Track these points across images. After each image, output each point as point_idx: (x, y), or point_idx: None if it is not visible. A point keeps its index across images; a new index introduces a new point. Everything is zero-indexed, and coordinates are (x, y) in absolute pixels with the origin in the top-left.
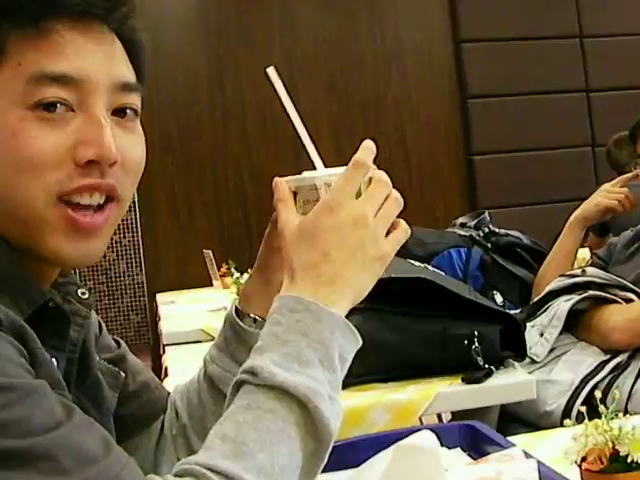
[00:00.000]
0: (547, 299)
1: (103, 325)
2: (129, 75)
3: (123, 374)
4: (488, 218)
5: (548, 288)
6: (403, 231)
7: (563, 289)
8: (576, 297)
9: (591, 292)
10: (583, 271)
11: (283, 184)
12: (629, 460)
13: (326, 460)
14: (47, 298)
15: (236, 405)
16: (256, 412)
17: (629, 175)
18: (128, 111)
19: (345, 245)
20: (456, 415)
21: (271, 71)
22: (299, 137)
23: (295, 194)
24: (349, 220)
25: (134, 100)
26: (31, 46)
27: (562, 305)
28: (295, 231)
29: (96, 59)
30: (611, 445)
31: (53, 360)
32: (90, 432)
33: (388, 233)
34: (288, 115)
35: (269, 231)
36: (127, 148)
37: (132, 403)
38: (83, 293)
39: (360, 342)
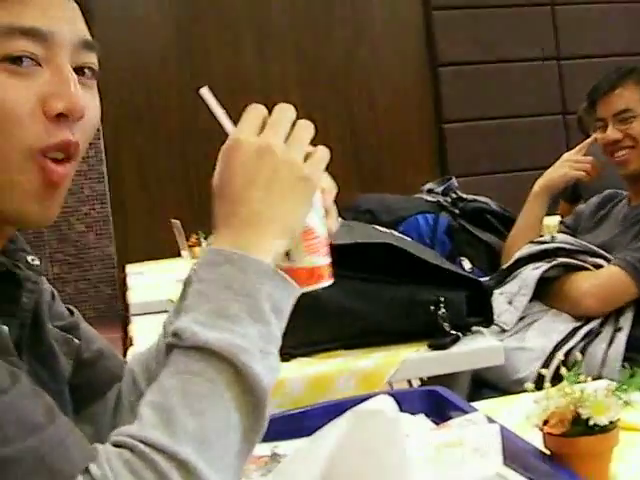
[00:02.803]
0: (516, 266)
1: (56, 293)
2: (88, 33)
3: (77, 341)
4: (455, 184)
5: (517, 255)
6: (322, 152)
7: (532, 256)
8: (545, 265)
9: (560, 259)
10: (552, 237)
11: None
12: (590, 423)
13: (268, 416)
14: None
15: (165, 370)
16: (184, 376)
17: (589, 141)
18: (87, 70)
19: (255, 179)
20: (426, 382)
21: (204, 92)
22: None
23: None
24: (252, 153)
25: (93, 59)
26: None
27: (531, 273)
28: (214, 184)
29: (61, 16)
30: (573, 408)
31: (4, 327)
32: (35, 400)
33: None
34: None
35: None
36: (88, 104)
37: (87, 371)
38: (33, 259)
39: (297, 289)
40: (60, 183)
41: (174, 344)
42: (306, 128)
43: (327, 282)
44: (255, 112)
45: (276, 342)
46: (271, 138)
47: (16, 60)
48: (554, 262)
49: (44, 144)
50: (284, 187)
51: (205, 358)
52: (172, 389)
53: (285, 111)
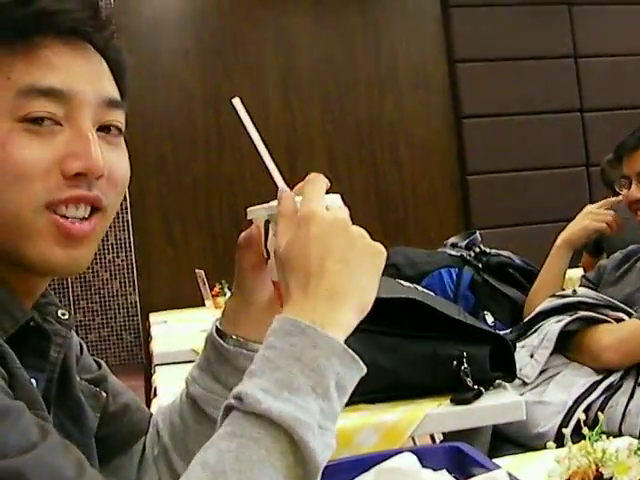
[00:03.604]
0: (538, 319)
1: (84, 346)
2: (114, 92)
3: (104, 394)
4: (479, 238)
5: (539, 308)
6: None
7: (554, 309)
8: (567, 318)
9: (582, 313)
10: (574, 291)
11: (287, 199)
12: None
13: None
14: (29, 317)
15: (222, 431)
16: (240, 440)
17: (613, 199)
18: (112, 128)
19: (334, 251)
20: (448, 436)
21: (236, 102)
22: (267, 170)
23: (268, 222)
24: (327, 226)
25: (118, 117)
26: (20, 60)
27: (553, 326)
28: (284, 251)
29: (84, 74)
30: (594, 467)
31: (33, 380)
32: (64, 454)
33: None
34: (254, 145)
35: (239, 255)
36: (112, 162)
37: (113, 424)
38: (63, 314)
39: (364, 370)
40: (82, 237)
41: (235, 407)
42: None
43: None
44: (320, 182)
45: (335, 419)
46: (339, 213)
47: (36, 120)
48: (576, 315)
49: (51, 199)
50: (360, 260)
51: (264, 426)
52: (226, 451)
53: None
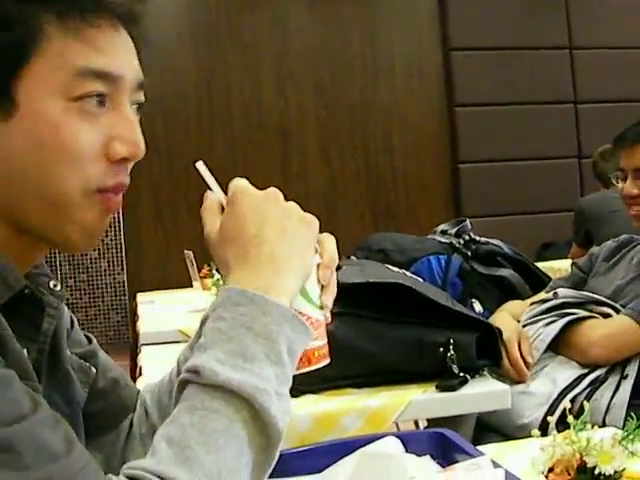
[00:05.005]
0: (525, 326)
1: (75, 320)
2: (141, 73)
3: (94, 370)
4: (469, 226)
5: (525, 317)
6: None
7: (540, 314)
8: (557, 319)
9: (568, 310)
10: (555, 294)
11: (212, 196)
12: (596, 472)
13: (277, 457)
14: (23, 285)
15: (181, 406)
16: (201, 413)
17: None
18: (136, 107)
19: (271, 219)
20: (432, 423)
21: (200, 165)
22: None
23: None
24: (259, 197)
25: (143, 97)
26: (75, 39)
27: (545, 329)
28: (219, 232)
29: (126, 57)
30: (578, 456)
31: (25, 350)
32: (54, 428)
33: None
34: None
35: None
36: None
37: (101, 400)
38: (55, 285)
39: (313, 334)
40: (114, 211)
41: (191, 380)
42: None
43: (322, 363)
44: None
45: (289, 384)
46: (270, 188)
47: (90, 101)
48: (563, 311)
49: (102, 185)
50: (296, 228)
51: (224, 397)
52: (189, 425)
53: None
